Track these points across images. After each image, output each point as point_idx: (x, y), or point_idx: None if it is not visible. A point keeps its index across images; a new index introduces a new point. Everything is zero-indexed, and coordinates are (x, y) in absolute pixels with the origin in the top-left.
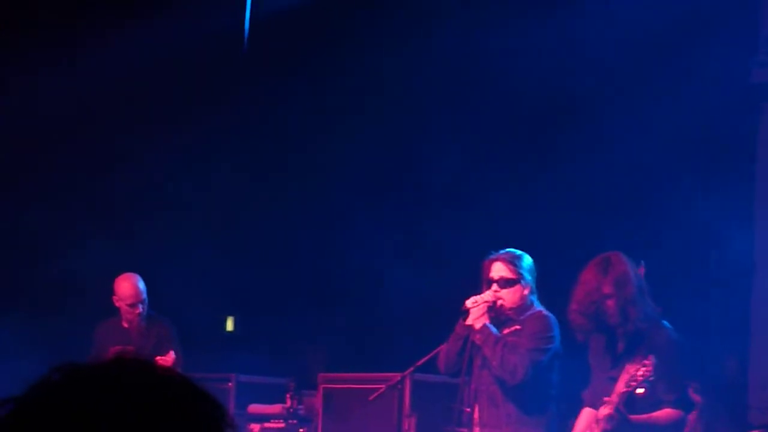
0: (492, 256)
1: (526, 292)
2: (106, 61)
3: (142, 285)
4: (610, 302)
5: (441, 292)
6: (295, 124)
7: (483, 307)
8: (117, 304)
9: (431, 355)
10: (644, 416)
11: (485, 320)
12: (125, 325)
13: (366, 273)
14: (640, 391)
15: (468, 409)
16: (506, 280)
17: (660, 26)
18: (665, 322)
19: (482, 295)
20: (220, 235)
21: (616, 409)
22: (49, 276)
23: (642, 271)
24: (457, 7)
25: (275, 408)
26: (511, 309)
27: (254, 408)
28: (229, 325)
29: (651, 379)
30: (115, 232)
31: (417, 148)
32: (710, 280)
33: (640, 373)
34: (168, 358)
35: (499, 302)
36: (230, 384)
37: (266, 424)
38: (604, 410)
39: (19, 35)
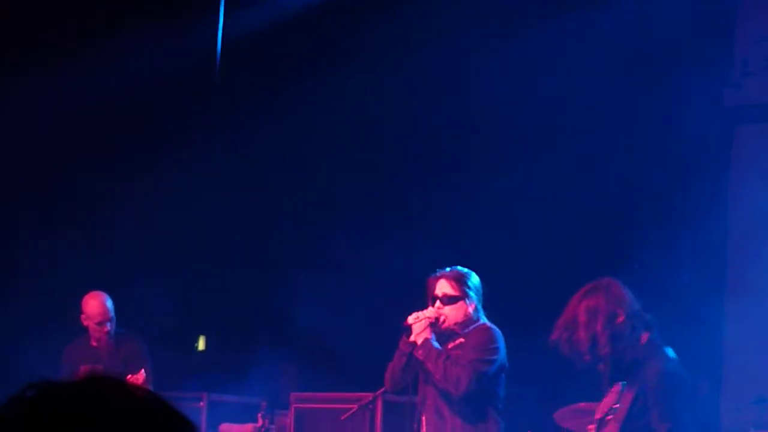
0: (437, 274)
1: (470, 309)
2: (75, 87)
3: (110, 303)
4: (580, 332)
5: (414, 304)
6: (268, 148)
7: (425, 323)
8: (85, 323)
9: None
10: None
11: (427, 335)
12: (94, 343)
13: (338, 293)
14: (609, 417)
15: (416, 424)
16: (449, 297)
17: (635, 50)
18: (668, 350)
19: (424, 312)
20: (194, 254)
21: None
22: (20, 295)
23: None
24: (430, 29)
25: (247, 427)
26: (455, 325)
27: (226, 427)
28: (201, 344)
29: (616, 406)
30: (89, 250)
31: (390, 170)
32: (682, 301)
33: (612, 399)
34: (139, 377)
35: (442, 318)
36: (202, 403)
37: None
38: None
39: None
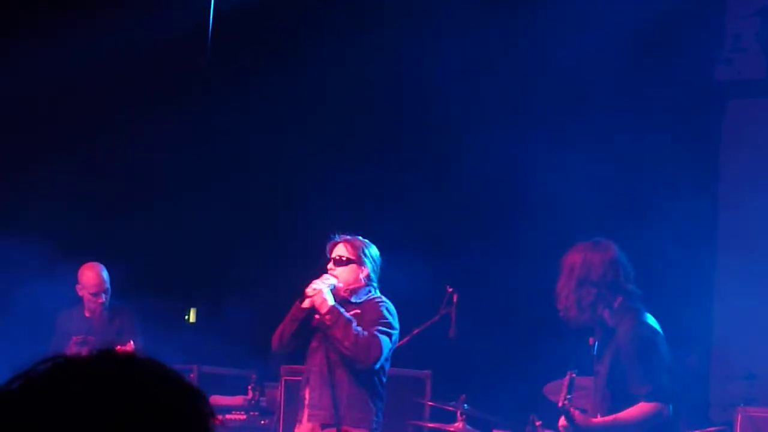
0: (336, 239)
1: (362, 274)
2: (68, 58)
3: (105, 274)
4: (559, 291)
5: (408, 284)
6: (255, 121)
7: (323, 291)
8: (80, 293)
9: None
10: (610, 417)
11: (330, 301)
12: (87, 314)
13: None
14: (567, 402)
15: (302, 392)
16: (343, 259)
17: (626, 25)
18: (643, 315)
19: (321, 279)
20: (184, 226)
21: (567, 419)
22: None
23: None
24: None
25: (237, 400)
26: (346, 290)
27: (216, 399)
28: (192, 316)
29: (568, 397)
30: (82, 222)
31: (379, 142)
32: (672, 277)
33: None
34: (127, 347)
35: (334, 279)
36: (192, 375)
37: (228, 416)
38: (561, 421)
39: None
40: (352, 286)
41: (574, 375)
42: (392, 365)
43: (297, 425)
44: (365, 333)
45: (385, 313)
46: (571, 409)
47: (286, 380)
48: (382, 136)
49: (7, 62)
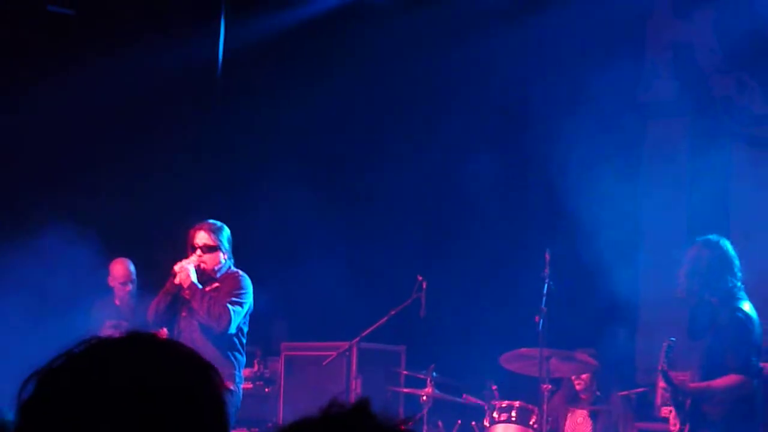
0: (196, 226)
1: (224, 258)
2: (80, 92)
3: (132, 267)
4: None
5: (384, 269)
6: (264, 151)
7: (188, 269)
8: (111, 284)
9: (375, 326)
10: (704, 384)
11: (192, 278)
12: (117, 302)
13: (319, 253)
14: (665, 365)
15: None
16: (209, 247)
17: (556, 48)
18: (740, 299)
19: (187, 260)
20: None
21: (666, 381)
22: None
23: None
24: (424, 35)
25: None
26: (212, 270)
27: None
28: None
29: (665, 361)
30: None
31: (380, 162)
32: (601, 263)
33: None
34: (162, 333)
35: (202, 265)
36: None
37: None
38: (660, 382)
39: None
40: (216, 267)
41: (671, 343)
42: (373, 340)
43: None
44: (217, 304)
45: (241, 284)
46: (670, 372)
47: (286, 355)
48: (362, 141)
49: (19, 99)
